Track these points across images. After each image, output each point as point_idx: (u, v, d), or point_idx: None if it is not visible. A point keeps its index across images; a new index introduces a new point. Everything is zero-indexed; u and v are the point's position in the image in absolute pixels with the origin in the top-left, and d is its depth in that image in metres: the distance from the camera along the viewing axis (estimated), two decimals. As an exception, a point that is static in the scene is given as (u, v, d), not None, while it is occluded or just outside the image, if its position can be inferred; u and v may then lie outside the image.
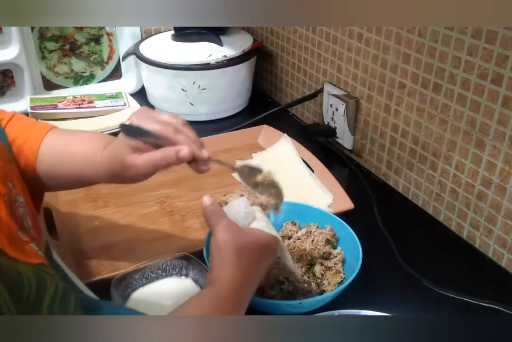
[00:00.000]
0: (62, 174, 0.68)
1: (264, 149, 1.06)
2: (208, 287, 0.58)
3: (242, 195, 0.65)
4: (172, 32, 1.22)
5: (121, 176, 0.64)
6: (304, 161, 1.00)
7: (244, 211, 0.62)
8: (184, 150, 0.61)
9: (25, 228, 0.47)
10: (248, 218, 0.62)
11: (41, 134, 0.68)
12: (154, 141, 0.62)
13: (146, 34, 1.29)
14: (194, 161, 0.63)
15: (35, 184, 0.67)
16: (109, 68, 1.32)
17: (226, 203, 0.64)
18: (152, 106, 1.23)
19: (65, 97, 1.20)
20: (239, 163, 0.67)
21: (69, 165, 0.68)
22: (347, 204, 0.87)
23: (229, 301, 0.57)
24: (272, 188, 0.67)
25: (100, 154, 0.65)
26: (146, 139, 0.62)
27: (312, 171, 0.97)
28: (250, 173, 0.67)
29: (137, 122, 0.62)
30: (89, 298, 0.57)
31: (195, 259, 0.71)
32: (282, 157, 1.01)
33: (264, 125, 1.10)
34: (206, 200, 0.63)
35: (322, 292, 0.71)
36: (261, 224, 0.62)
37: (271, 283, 0.70)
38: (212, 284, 0.58)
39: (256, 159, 1.01)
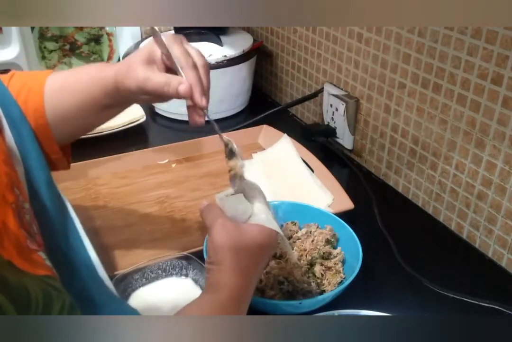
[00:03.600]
0: (69, 104, 0.67)
1: (264, 149, 1.06)
2: (207, 293, 0.56)
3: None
4: (172, 32, 1.22)
5: (122, 87, 0.63)
6: (304, 161, 1.00)
7: (241, 206, 0.60)
8: (184, 85, 0.60)
9: (32, 235, 0.47)
10: (246, 212, 0.60)
11: (43, 77, 0.68)
12: (170, 65, 0.62)
13: (146, 34, 1.29)
14: (192, 109, 0.62)
15: (50, 139, 0.66)
16: (109, 68, 1.32)
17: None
18: (152, 107, 1.23)
19: (65, 97, 1.20)
20: (225, 138, 0.66)
21: (75, 89, 0.67)
22: (347, 204, 0.87)
23: (229, 307, 0.55)
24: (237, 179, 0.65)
25: (109, 67, 0.65)
26: (165, 60, 0.62)
27: (312, 170, 0.97)
28: (229, 153, 0.66)
29: (167, 39, 0.62)
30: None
31: (195, 259, 0.71)
32: (282, 157, 1.01)
33: (264, 125, 1.10)
34: (204, 202, 0.62)
35: (322, 292, 0.71)
36: (261, 217, 0.59)
37: (271, 283, 0.70)
38: (211, 290, 0.56)
39: (256, 159, 1.01)
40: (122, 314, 0.56)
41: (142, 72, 0.62)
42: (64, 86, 0.67)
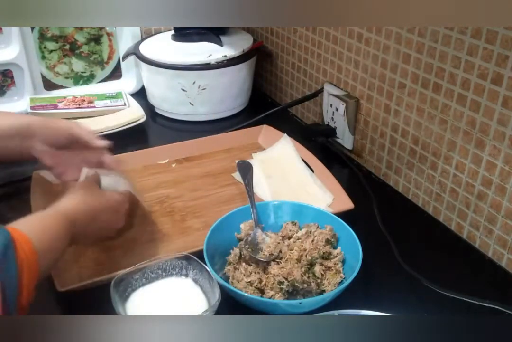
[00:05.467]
0: None
1: (264, 149, 1.06)
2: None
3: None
4: (172, 32, 1.22)
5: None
6: (304, 161, 1.00)
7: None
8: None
9: None
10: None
11: None
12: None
13: (146, 34, 1.29)
14: None
15: None
16: (109, 68, 1.32)
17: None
18: (152, 107, 1.23)
19: (65, 97, 1.20)
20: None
21: None
22: (347, 204, 0.87)
23: (50, 220, 0.64)
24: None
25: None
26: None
27: (312, 171, 0.98)
28: None
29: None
30: None
31: (195, 259, 0.71)
32: (282, 158, 1.01)
33: (264, 126, 1.10)
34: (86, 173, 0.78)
35: (322, 292, 0.71)
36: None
37: (271, 283, 0.70)
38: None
39: (256, 159, 1.01)
40: None
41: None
42: None
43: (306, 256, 0.74)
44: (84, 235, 0.70)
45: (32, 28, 1.20)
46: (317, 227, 0.79)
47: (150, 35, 1.27)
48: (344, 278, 0.72)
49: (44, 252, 0.59)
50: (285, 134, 1.05)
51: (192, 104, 1.17)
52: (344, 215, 0.81)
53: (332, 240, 0.77)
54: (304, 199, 0.87)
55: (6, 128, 0.77)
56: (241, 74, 1.18)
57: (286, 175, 0.97)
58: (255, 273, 0.72)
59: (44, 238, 0.60)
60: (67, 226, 0.65)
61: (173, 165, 1.02)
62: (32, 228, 0.60)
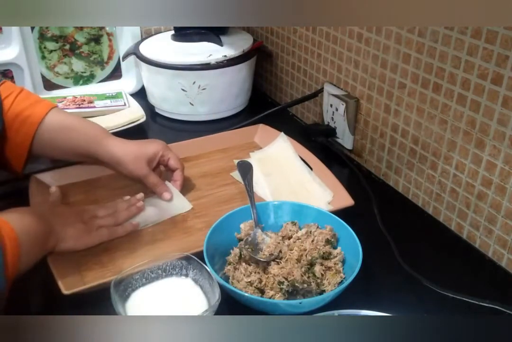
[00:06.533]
0: (54, 149, 0.86)
1: (261, 148, 1.06)
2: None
3: None
4: (172, 32, 1.22)
5: (117, 167, 0.87)
6: (302, 159, 1.00)
7: None
8: (168, 194, 0.88)
9: None
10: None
11: (44, 111, 0.84)
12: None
13: (146, 34, 1.29)
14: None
15: (22, 149, 0.83)
16: (109, 68, 1.32)
17: None
18: (152, 107, 1.23)
19: (65, 97, 1.20)
20: None
21: (64, 144, 0.85)
22: (347, 200, 0.87)
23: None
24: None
25: (105, 142, 0.86)
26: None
27: (311, 168, 0.97)
28: None
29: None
30: None
31: (195, 259, 0.71)
32: (280, 156, 1.01)
33: (261, 124, 1.10)
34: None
35: (322, 292, 0.71)
36: None
37: (271, 283, 0.70)
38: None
39: (254, 158, 1.01)
40: None
41: (145, 169, 0.86)
42: (57, 134, 0.84)
43: (306, 256, 0.74)
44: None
45: (32, 28, 1.20)
46: (317, 227, 0.79)
47: (150, 35, 1.27)
48: (344, 278, 0.72)
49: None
50: (282, 133, 1.05)
51: (192, 104, 1.17)
52: (344, 215, 0.81)
53: (332, 240, 0.77)
54: (304, 196, 0.87)
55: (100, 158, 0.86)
56: (241, 74, 1.18)
57: (285, 173, 0.97)
58: (255, 273, 0.72)
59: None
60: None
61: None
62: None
